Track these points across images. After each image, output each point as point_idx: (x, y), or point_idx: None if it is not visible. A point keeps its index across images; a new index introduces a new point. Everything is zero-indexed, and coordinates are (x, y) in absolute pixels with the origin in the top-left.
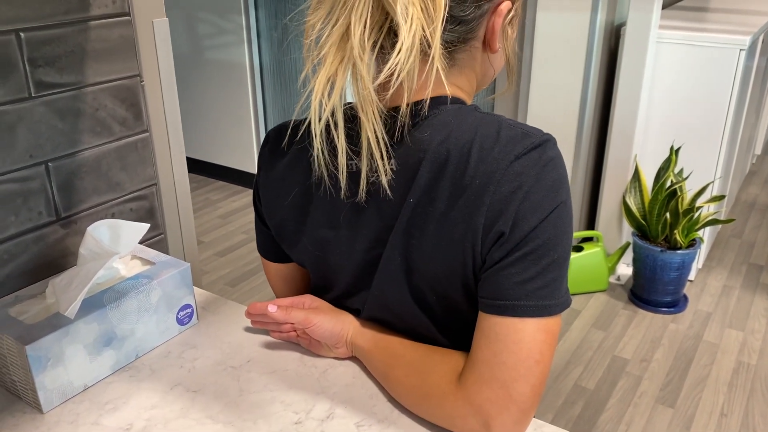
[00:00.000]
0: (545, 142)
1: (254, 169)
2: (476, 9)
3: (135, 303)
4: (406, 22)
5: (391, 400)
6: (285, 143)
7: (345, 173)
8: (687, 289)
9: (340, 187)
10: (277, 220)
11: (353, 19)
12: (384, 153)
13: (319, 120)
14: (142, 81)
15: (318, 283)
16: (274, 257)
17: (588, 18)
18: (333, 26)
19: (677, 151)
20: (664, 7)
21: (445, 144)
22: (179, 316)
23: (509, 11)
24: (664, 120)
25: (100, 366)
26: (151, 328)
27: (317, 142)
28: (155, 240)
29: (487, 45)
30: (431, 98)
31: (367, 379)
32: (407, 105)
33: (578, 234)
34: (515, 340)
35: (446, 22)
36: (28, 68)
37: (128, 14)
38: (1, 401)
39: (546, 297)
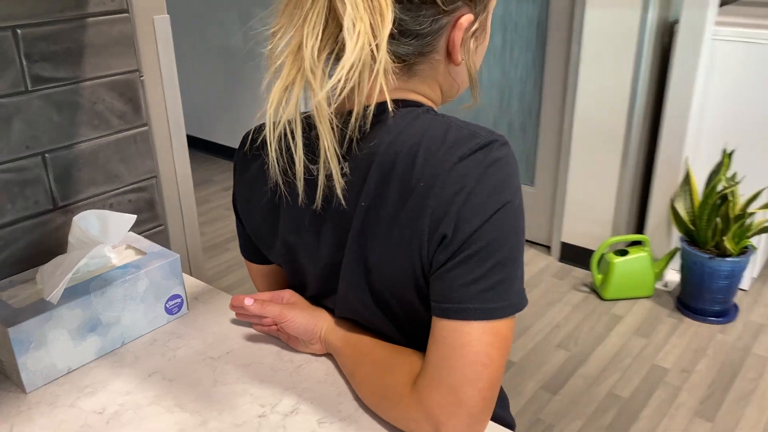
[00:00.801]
0: (492, 143)
1: None
2: (433, 23)
3: (121, 291)
4: (351, 37)
5: (358, 398)
6: (247, 148)
7: (302, 180)
8: (739, 299)
9: (298, 194)
10: (253, 224)
11: (306, 31)
12: (336, 160)
13: (275, 128)
14: (142, 76)
15: (293, 284)
16: (255, 258)
17: (638, 15)
18: (291, 36)
19: (730, 154)
20: (722, 4)
21: (393, 146)
22: (168, 306)
23: (471, 24)
24: (718, 121)
25: (84, 351)
26: (138, 316)
27: (271, 151)
28: (155, 231)
29: (450, 57)
30: (385, 102)
31: (338, 377)
32: (356, 113)
33: (625, 238)
34: (462, 344)
35: (402, 35)
36: (24, 63)
37: (127, 11)
38: None
39: (492, 299)
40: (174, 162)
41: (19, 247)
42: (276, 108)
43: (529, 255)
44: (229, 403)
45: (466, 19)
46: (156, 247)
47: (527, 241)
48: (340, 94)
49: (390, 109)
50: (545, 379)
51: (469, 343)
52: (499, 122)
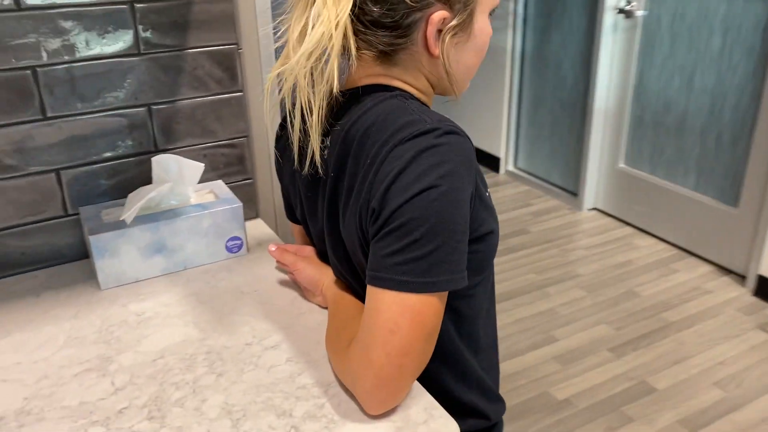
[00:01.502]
0: (434, 130)
1: (500, 154)
2: (405, 17)
3: (186, 225)
4: (312, 27)
5: None
6: (282, 119)
7: (297, 150)
8: None
9: (302, 163)
10: (284, 187)
11: (292, 20)
12: (318, 134)
13: (293, 105)
14: (240, 49)
15: (312, 241)
16: (290, 217)
17: None
18: (288, 25)
19: None
20: None
21: (355, 125)
22: (228, 245)
23: (445, 21)
24: None
25: (151, 267)
26: (200, 248)
27: (288, 124)
28: (244, 183)
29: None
30: (368, 86)
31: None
32: (335, 93)
33: None
34: (375, 309)
35: (374, 26)
36: (139, 31)
37: None
38: (84, 276)
39: (406, 273)
40: (267, 126)
41: (126, 177)
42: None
43: (719, 282)
44: (230, 329)
45: (438, 15)
46: (230, 195)
47: (720, 266)
48: (286, 81)
49: (360, 91)
50: (687, 414)
51: (379, 309)
52: (707, 132)
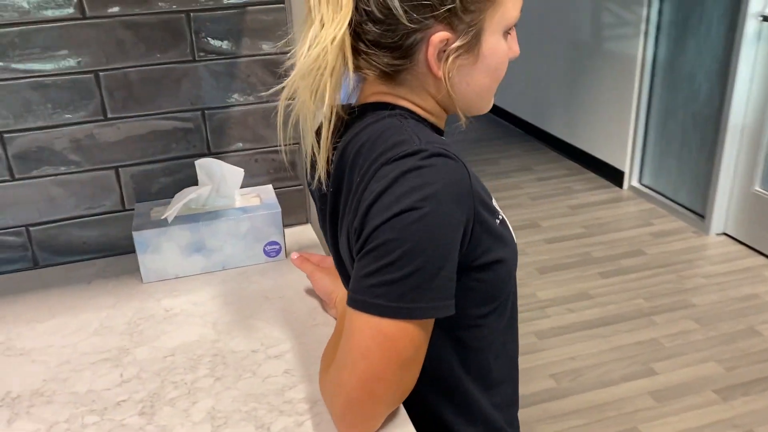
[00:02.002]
0: (419, 152)
1: (624, 167)
2: (405, 38)
3: (225, 227)
4: (308, 48)
5: None
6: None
7: (308, 164)
8: None
9: (312, 176)
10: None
11: (300, 41)
12: (325, 149)
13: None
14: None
15: None
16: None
17: None
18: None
19: None
20: None
21: (351, 142)
22: (266, 249)
23: (447, 42)
24: None
25: (191, 265)
26: (238, 250)
27: (301, 138)
28: (294, 189)
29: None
30: (372, 103)
31: None
32: (334, 109)
33: None
34: (349, 330)
35: (375, 46)
36: (194, 39)
37: (282, 2)
38: (127, 268)
39: (380, 296)
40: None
41: (180, 178)
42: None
43: None
44: (243, 333)
45: (438, 36)
46: (273, 200)
47: None
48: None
49: (363, 108)
50: None
51: (352, 331)
52: None
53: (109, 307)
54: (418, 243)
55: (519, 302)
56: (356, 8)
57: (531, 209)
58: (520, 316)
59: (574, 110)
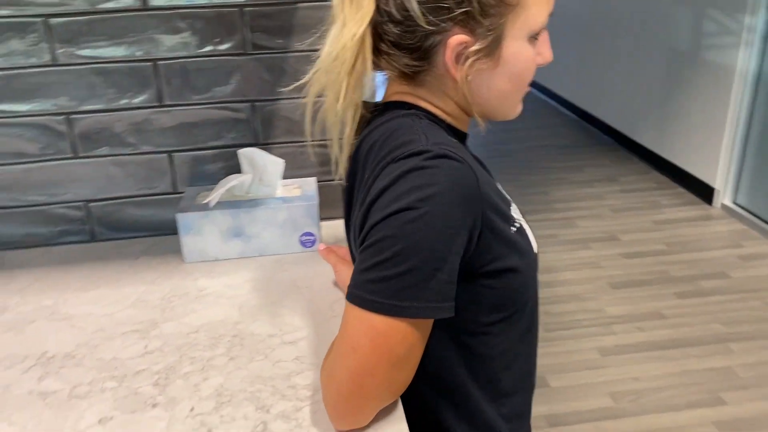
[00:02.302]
0: (422, 153)
1: (715, 184)
2: (423, 40)
3: (264, 215)
4: (328, 43)
5: None
6: None
7: (334, 159)
8: None
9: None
10: None
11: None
12: (347, 144)
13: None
14: None
15: None
16: None
17: None
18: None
19: None
20: None
21: (366, 139)
22: (302, 239)
23: (465, 45)
24: None
25: (230, 248)
26: (275, 238)
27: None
28: (336, 183)
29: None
30: (392, 102)
31: None
32: (358, 107)
33: None
34: (345, 322)
35: (395, 47)
36: (247, 33)
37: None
38: (172, 248)
39: (373, 292)
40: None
41: (229, 165)
42: None
43: None
44: (265, 317)
45: (456, 39)
46: (312, 193)
47: None
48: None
49: (394, 109)
50: None
51: (347, 324)
52: None
53: (149, 283)
54: (413, 242)
55: (583, 315)
56: (378, 9)
57: (611, 221)
58: (583, 330)
59: (666, 121)
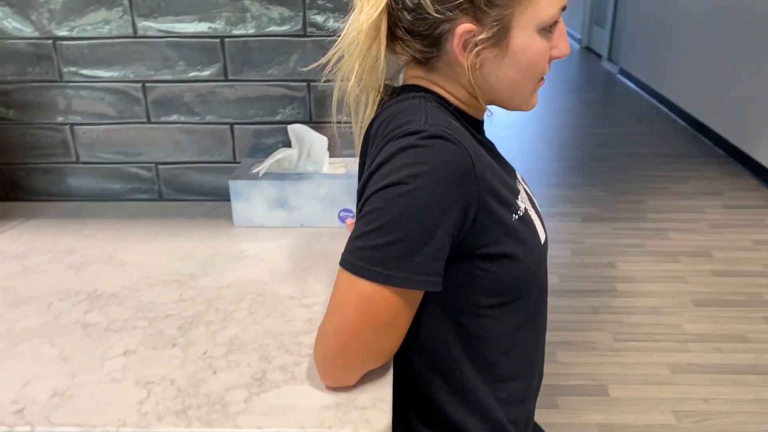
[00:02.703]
0: (418, 132)
1: None
2: (432, 28)
3: (306, 189)
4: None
5: None
6: None
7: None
8: None
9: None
10: None
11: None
12: (359, 128)
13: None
14: None
15: None
16: None
17: None
18: None
19: None
20: None
21: (377, 119)
22: (341, 215)
23: (472, 34)
24: None
25: (274, 218)
26: (316, 212)
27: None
28: None
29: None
30: (406, 85)
31: None
32: (376, 90)
33: None
34: (336, 285)
35: (408, 33)
36: (306, 14)
37: None
38: (227, 212)
39: (361, 258)
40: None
41: (284, 139)
42: None
43: None
44: (290, 282)
45: (462, 28)
46: (355, 172)
47: None
48: (328, 71)
49: (407, 92)
50: None
51: (337, 286)
52: None
53: (199, 241)
54: (400, 215)
55: (657, 330)
56: None
57: (707, 236)
58: (655, 344)
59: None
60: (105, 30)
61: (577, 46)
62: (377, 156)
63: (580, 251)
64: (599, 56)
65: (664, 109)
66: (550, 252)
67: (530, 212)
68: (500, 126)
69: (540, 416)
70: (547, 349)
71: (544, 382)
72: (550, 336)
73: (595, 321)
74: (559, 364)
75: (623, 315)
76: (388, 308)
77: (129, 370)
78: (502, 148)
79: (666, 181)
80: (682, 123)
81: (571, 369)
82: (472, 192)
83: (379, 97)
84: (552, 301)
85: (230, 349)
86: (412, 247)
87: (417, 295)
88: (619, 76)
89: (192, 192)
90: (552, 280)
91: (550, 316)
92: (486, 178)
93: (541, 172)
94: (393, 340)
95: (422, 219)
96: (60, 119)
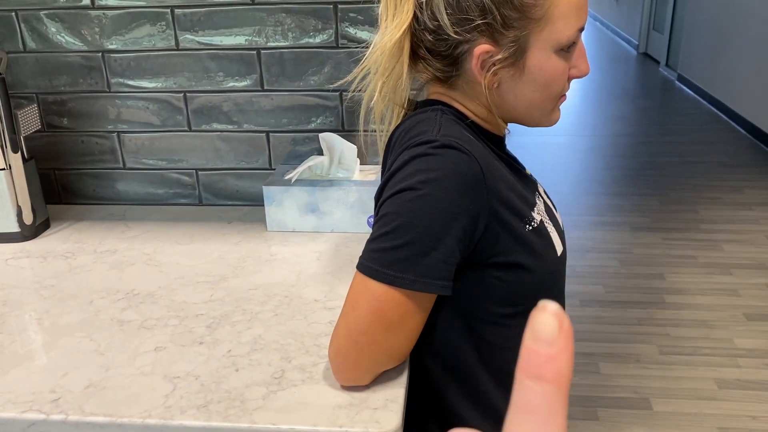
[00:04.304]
0: (430, 142)
1: None
2: (453, 48)
3: (336, 195)
4: (372, 48)
5: None
6: None
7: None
8: None
9: None
10: None
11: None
12: (387, 135)
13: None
14: None
15: None
16: None
17: None
18: None
19: None
20: None
21: (396, 131)
22: (369, 221)
23: (490, 54)
24: None
25: (305, 222)
26: (346, 217)
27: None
28: None
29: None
30: (428, 100)
31: None
32: (400, 106)
33: None
34: (351, 286)
35: (430, 53)
36: (339, 27)
37: None
38: (262, 217)
39: (373, 260)
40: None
41: (318, 147)
42: None
43: None
44: (316, 285)
45: (480, 49)
46: None
47: None
48: (358, 86)
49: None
50: None
51: (351, 286)
52: None
53: (233, 244)
54: (410, 220)
55: (706, 344)
56: (416, 18)
57: (763, 248)
58: (703, 358)
59: None
60: (150, 43)
61: (633, 51)
62: (393, 164)
63: (629, 261)
64: (657, 62)
65: (723, 116)
66: (596, 262)
67: (547, 224)
68: (551, 134)
69: (579, 427)
70: (588, 360)
71: (584, 393)
72: (592, 347)
73: (641, 333)
74: (601, 375)
75: (670, 327)
76: (398, 309)
77: (158, 365)
78: (551, 156)
79: (721, 191)
80: (742, 131)
81: (614, 381)
82: (481, 200)
83: (402, 111)
84: (596, 312)
85: (253, 348)
86: (421, 250)
87: (428, 298)
88: (677, 83)
89: (230, 197)
90: (597, 290)
91: (592, 327)
92: (497, 187)
93: (591, 180)
94: (403, 342)
95: (432, 223)
96: (109, 127)
